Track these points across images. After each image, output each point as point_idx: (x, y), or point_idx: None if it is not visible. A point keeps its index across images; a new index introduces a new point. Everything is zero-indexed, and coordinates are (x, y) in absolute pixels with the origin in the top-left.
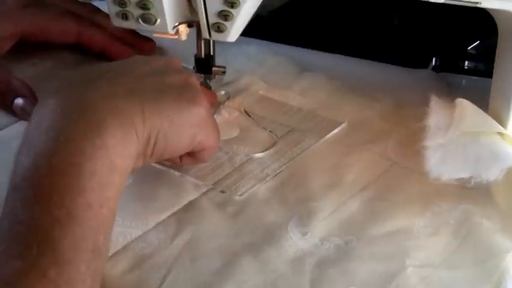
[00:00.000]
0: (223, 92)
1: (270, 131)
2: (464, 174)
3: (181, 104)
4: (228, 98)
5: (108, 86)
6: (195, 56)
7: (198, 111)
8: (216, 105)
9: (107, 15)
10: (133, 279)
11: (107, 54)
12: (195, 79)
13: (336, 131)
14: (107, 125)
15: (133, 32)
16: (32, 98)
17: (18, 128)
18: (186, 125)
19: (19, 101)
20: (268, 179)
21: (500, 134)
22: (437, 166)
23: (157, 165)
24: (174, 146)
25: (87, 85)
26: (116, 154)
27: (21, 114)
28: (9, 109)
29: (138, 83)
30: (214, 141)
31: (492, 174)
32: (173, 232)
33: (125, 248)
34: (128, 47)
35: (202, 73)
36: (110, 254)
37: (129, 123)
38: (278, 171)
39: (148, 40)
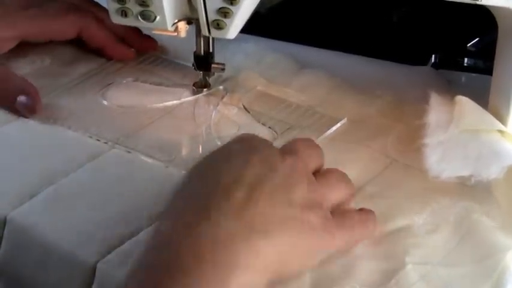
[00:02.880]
0: (221, 87)
1: (269, 127)
2: (464, 172)
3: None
4: (226, 94)
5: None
6: (194, 53)
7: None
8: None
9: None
10: None
11: (105, 52)
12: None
13: (335, 127)
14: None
15: (135, 30)
16: (35, 95)
17: (17, 125)
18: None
19: (23, 98)
20: None
21: (500, 131)
22: (438, 164)
23: (157, 163)
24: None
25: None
26: None
27: (25, 112)
28: (11, 106)
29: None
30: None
31: (493, 172)
32: None
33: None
34: (127, 48)
35: (201, 70)
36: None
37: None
38: None
39: (151, 39)
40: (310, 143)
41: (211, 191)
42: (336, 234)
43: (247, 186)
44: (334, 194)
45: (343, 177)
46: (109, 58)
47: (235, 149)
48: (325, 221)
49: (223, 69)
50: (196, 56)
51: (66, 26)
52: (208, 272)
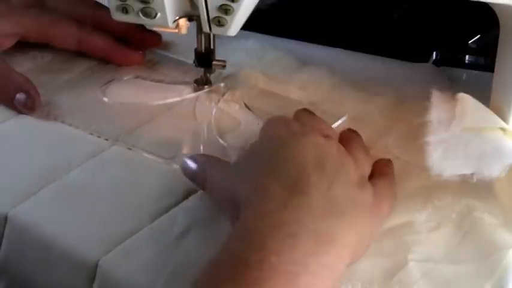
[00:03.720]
0: (222, 84)
1: None
2: (466, 170)
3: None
4: (227, 91)
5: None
6: (195, 50)
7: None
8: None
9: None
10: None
11: (112, 60)
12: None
13: (336, 124)
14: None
15: (138, 26)
16: (34, 93)
17: (17, 121)
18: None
19: (21, 96)
20: None
21: (502, 129)
22: (440, 162)
23: (158, 159)
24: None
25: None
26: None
27: (23, 109)
28: (10, 103)
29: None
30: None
31: (495, 170)
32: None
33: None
34: (129, 51)
35: (202, 67)
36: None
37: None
38: None
39: (154, 34)
40: (313, 116)
41: (299, 171)
42: (383, 209)
43: (321, 173)
44: (368, 166)
45: (364, 146)
46: (118, 65)
47: (279, 134)
48: (373, 197)
49: (224, 66)
50: (197, 53)
51: (64, 35)
52: (310, 240)
